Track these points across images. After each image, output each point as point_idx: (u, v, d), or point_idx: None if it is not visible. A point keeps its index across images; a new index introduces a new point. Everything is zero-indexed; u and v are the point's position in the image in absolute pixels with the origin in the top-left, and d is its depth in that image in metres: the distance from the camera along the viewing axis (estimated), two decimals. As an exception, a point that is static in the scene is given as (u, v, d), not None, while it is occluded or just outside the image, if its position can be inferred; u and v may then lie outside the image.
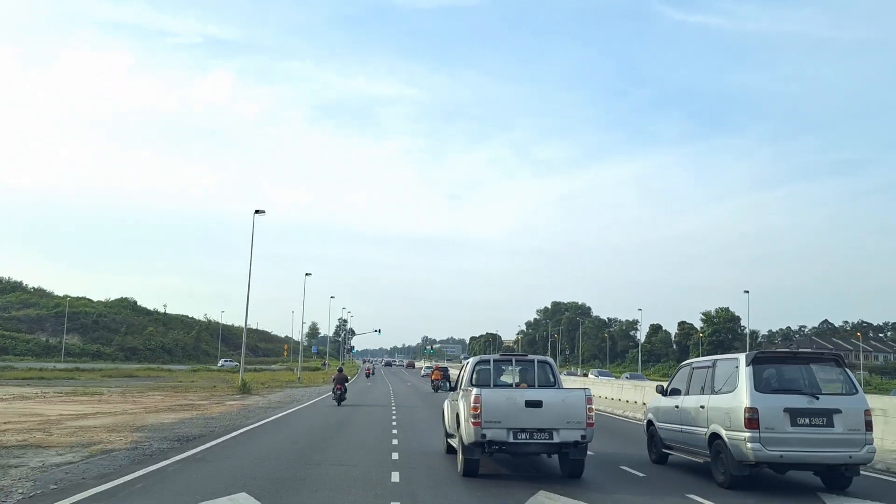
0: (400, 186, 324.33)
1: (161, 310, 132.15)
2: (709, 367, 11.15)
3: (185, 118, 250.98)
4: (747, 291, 77.90)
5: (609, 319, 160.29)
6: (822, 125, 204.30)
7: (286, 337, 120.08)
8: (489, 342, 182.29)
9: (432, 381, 44.52)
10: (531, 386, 11.88)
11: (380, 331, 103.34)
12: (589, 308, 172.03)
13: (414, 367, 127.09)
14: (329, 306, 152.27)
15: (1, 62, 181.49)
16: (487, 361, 12.61)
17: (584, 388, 10.78)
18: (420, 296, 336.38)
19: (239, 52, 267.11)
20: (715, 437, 10.21)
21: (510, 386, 11.94)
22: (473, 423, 10.27)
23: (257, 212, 35.94)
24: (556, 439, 10.23)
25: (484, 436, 10.15)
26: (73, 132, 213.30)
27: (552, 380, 12.38)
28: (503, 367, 12.72)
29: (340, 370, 29.11)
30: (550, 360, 12.98)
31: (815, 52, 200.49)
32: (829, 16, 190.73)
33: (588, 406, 10.34)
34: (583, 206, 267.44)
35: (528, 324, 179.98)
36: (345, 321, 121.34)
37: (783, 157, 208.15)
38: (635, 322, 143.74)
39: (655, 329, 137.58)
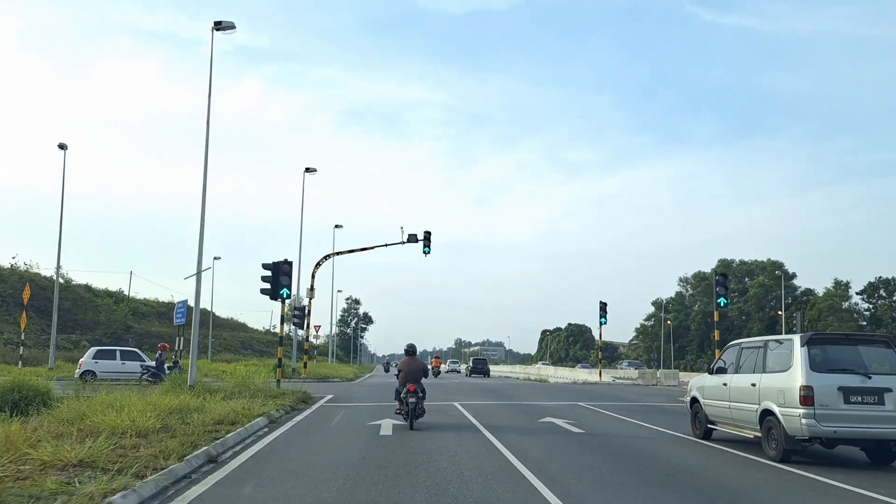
0: (427, 190, 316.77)
1: None
2: (760, 346, 11.64)
3: (214, 124, 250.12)
4: None
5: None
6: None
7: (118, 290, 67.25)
8: (572, 336, 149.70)
9: (432, 368, 49.17)
10: None
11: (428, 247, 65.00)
12: (793, 274, 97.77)
13: None
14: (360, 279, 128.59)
15: (37, 71, 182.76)
16: None
17: None
18: (450, 299, 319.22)
19: (268, 59, 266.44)
20: (767, 413, 10.68)
21: None
22: None
23: (217, 26, 21.78)
24: None
25: None
26: (103, 138, 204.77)
27: None
28: None
29: (411, 351, 15.14)
30: None
31: (852, 50, 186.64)
32: (867, 13, 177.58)
33: None
34: (615, 209, 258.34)
35: (659, 304, 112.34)
36: (357, 301, 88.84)
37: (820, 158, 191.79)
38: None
39: None
